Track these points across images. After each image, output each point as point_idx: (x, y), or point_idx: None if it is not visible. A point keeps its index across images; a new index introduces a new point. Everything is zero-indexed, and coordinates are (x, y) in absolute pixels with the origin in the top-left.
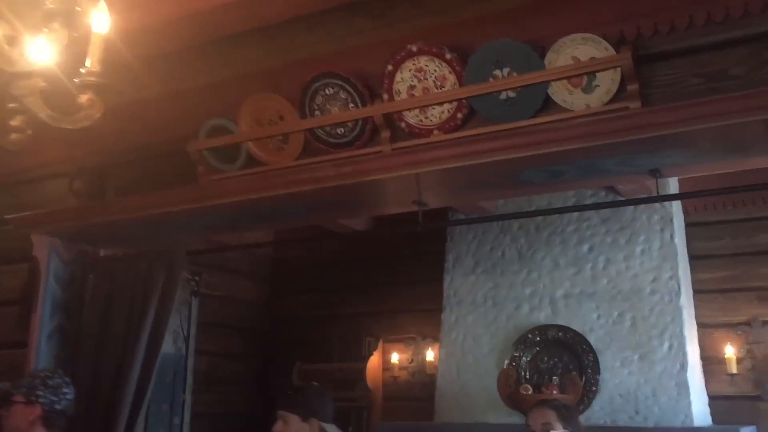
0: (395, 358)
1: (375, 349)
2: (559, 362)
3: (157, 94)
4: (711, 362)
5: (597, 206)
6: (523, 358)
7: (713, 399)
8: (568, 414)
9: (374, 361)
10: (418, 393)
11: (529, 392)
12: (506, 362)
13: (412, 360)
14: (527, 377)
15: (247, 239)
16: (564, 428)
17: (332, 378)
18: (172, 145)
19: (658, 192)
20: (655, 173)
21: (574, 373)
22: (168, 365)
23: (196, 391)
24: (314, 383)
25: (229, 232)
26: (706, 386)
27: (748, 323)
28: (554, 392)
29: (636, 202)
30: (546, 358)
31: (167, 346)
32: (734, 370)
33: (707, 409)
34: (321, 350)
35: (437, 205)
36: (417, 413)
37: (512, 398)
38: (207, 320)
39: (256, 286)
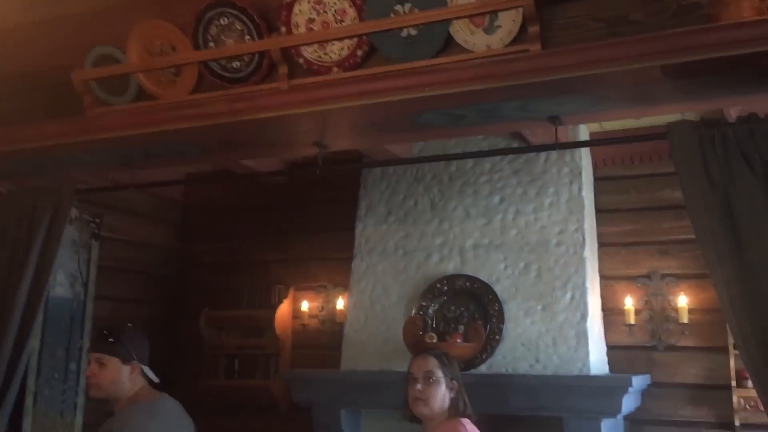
0: (305, 306)
1: (285, 297)
2: (465, 311)
3: (41, 18)
4: (611, 313)
5: (493, 153)
6: (431, 307)
7: (611, 349)
8: (448, 362)
9: (284, 309)
10: (327, 341)
11: (434, 340)
12: (414, 311)
13: (322, 308)
14: (433, 326)
15: (153, 179)
16: (444, 375)
17: (240, 325)
18: (59, 74)
19: (557, 139)
20: (555, 120)
21: (479, 322)
22: (64, 310)
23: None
24: (129, 324)
25: (126, 171)
26: (605, 336)
27: (647, 276)
28: (458, 341)
29: (537, 149)
30: (453, 308)
31: (63, 290)
32: (632, 321)
33: (605, 359)
34: (230, 297)
35: (340, 147)
36: (326, 361)
37: (417, 346)
38: (110, 265)
39: (163, 231)
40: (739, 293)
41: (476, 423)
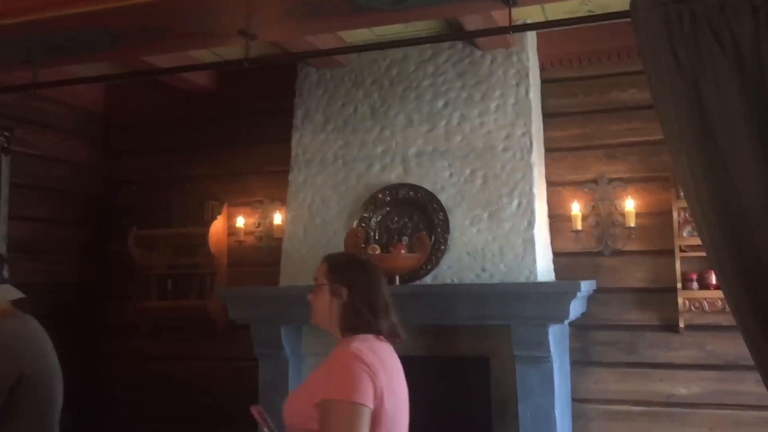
0: (240, 222)
1: (219, 213)
2: (409, 222)
3: None
4: (558, 220)
5: (438, 39)
6: (373, 218)
7: (557, 256)
8: (343, 268)
9: (218, 225)
10: (265, 258)
11: (377, 252)
12: (355, 223)
13: (258, 224)
14: (377, 238)
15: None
16: (330, 282)
17: (173, 244)
18: None
19: (510, 22)
20: (508, 1)
21: (424, 232)
22: None
23: (13, 260)
24: None
25: (26, 69)
26: (552, 243)
27: (595, 181)
28: (402, 252)
29: (484, 33)
30: (396, 218)
31: None
32: (579, 227)
33: (551, 266)
34: (160, 216)
35: (269, 37)
36: (264, 279)
37: None
38: (25, 182)
39: (83, 146)
40: (706, 187)
41: (406, 342)
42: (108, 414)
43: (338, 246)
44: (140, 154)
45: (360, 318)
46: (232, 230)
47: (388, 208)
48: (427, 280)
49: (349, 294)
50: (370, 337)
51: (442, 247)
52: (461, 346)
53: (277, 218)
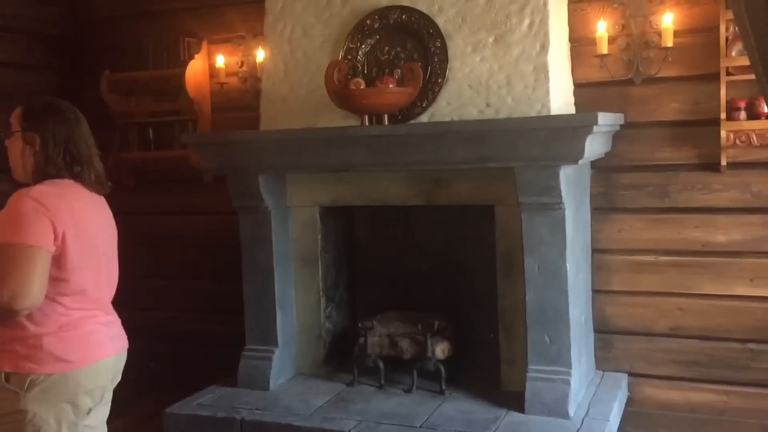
0: (221, 61)
1: (197, 51)
2: (402, 52)
3: None
4: (579, 44)
5: None
6: (360, 49)
7: (579, 87)
8: (32, 114)
9: (195, 66)
10: (250, 101)
11: (361, 87)
12: (340, 55)
13: (241, 63)
14: (365, 71)
15: None
16: (22, 129)
17: (151, 89)
18: None
19: None
20: None
21: (416, 62)
22: None
23: None
24: None
25: None
26: (572, 72)
27: None
28: (390, 86)
29: None
30: (387, 48)
31: None
32: (605, 51)
33: (570, 99)
34: (134, 57)
35: None
36: (252, 125)
37: (341, 96)
38: None
39: None
40: None
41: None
42: None
43: (322, 84)
44: None
45: (52, 167)
46: (212, 71)
47: (377, 37)
48: (423, 119)
49: (42, 142)
50: (65, 182)
51: (440, 79)
52: (462, 194)
53: (261, 55)
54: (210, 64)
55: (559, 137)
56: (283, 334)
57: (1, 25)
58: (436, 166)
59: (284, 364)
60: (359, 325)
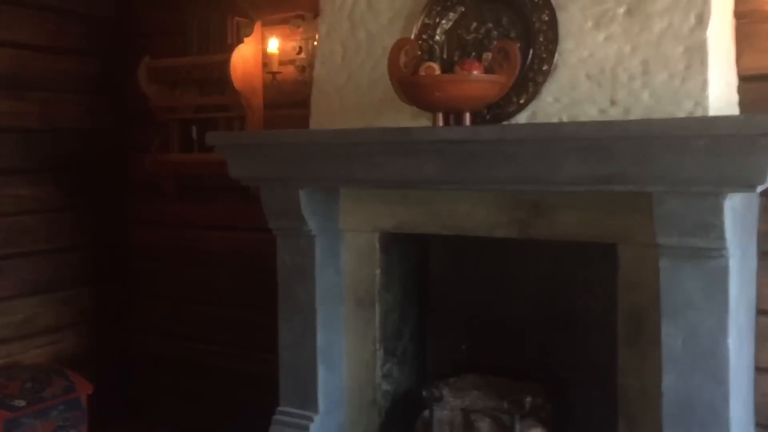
0: (273, 46)
1: (247, 34)
2: (495, 29)
3: None
4: (750, 20)
5: None
6: (439, 26)
7: (746, 81)
8: None
9: (245, 51)
10: (309, 95)
11: (436, 73)
12: (413, 33)
13: (300, 50)
14: (444, 56)
15: None
16: None
17: (191, 78)
18: None
19: None
20: None
21: (516, 43)
22: None
23: None
24: None
25: None
26: (737, 60)
27: None
28: (474, 72)
29: None
30: (475, 25)
31: None
32: None
33: (734, 96)
34: (175, 40)
35: None
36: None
37: (406, 84)
38: None
39: None
40: None
41: None
42: (136, 290)
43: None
44: None
45: None
46: (265, 59)
47: (462, 9)
48: (520, 119)
49: None
50: None
51: (545, 66)
52: (569, 226)
53: None
54: (263, 50)
55: (726, 150)
56: (327, 396)
57: (24, 2)
58: (535, 186)
59: None
60: (423, 393)
